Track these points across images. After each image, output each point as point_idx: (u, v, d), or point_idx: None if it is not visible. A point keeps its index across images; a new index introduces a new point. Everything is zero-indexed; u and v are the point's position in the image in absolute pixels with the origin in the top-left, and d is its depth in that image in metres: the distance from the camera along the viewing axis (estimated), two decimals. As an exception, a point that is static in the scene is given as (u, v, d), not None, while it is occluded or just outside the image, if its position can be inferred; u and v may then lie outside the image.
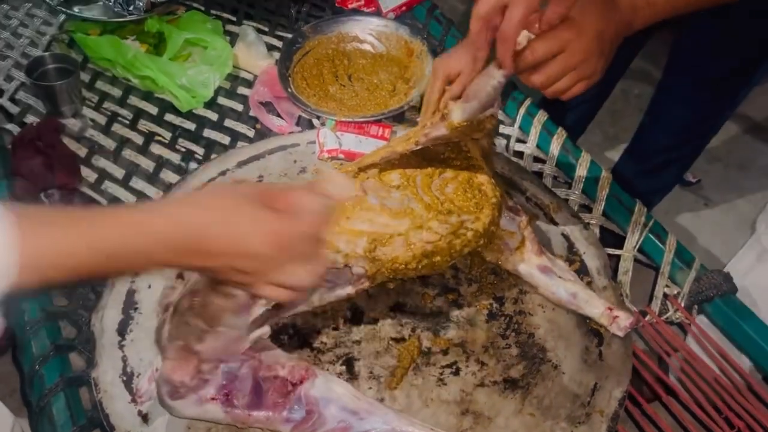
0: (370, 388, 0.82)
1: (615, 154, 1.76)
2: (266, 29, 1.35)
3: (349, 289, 0.82)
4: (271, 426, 0.74)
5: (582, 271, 0.95)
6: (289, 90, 1.17)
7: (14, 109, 1.15)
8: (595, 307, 0.87)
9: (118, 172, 1.06)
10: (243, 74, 1.25)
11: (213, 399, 0.73)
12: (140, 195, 1.04)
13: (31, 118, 1.13)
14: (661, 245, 0.99)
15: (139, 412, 0.77)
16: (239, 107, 1.19)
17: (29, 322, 0.84)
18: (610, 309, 0.86)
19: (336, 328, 0.88)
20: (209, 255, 0.54)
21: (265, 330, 0.76)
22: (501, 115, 1.20)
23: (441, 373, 0.84)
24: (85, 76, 1.21)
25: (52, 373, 0.80)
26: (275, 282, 0.59)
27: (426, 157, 0.91)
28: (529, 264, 0.91)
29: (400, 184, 0.88)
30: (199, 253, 0.54)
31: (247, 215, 0.55)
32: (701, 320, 0.94)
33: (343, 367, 0.84)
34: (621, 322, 0.86)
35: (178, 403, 0.73)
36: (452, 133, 0.82)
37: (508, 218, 0.92)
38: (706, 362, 0.90)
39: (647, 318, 0.93)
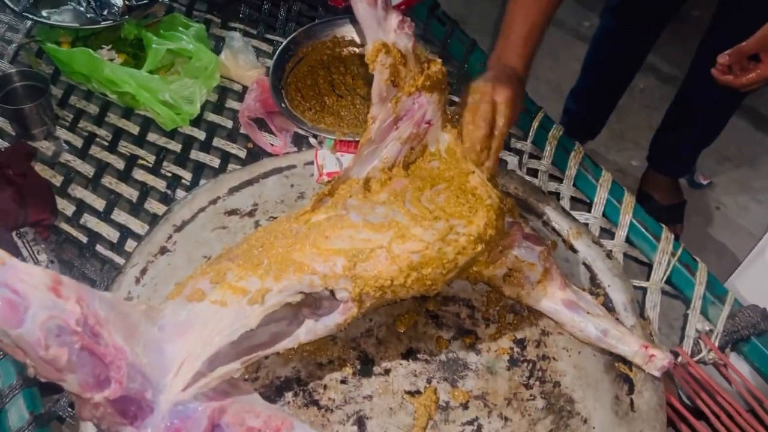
0: (386, 451, 0.75)
1: (623, 153, 1.70)
2: (254, 32, 1.25)
3: (338, 319, 0.73)
4: None
5: (607, 306, 0.88)
6: (283, 105, 1.07)
7: (-22, 133, 1.04)
8: (629, 345, 0.80)
9: (98, 203, 0.97)
10: (230, 84, 1.15)
11: None
12: (123, 229, 0.95)
13: (-2, 143, 1.03)
14: (691, 277, 0.92)
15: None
16: (228, 123, 1.10)
17: (5, 389, 0.75)
18: (646, 347, 0.80)
19: (344, 382, 0.80)
20: None
21: (234, 367, 0.67)
22: (512, 129, 1.11)
23: (462, 432, 0.77)
24: (57, 91, 1.10)
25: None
26: None
27: (418, 174, 0.84)
28: (553, 299, 0.84)
29: (386, 200, 0.80)
30: None
31: None
32: (735, 359, 0.88)
33: (355, 428, 0.77)
34: (658, 361, 0.79)
35: None
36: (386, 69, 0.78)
37: (526, 248, 0.84)
38: (741, 406, 0.84)
39: (679, 359, 0.86)
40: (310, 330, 0.73)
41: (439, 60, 0.84)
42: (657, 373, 0.80)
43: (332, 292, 0.71)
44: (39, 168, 0.99)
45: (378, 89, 0.82)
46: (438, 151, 0.86)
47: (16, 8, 1.14)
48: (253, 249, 0.75)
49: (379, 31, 0.79)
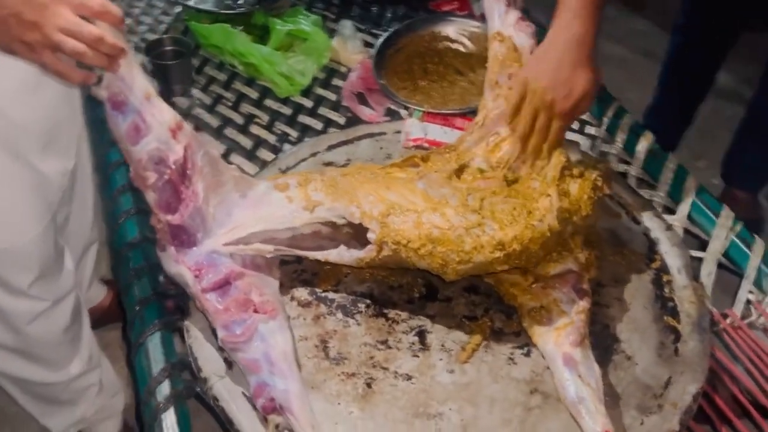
0: (441, 359, 0.84)
1: (704, 172, 1.72)
2: (362, 27, 1.42)
3: (360, 254, 0.82)
4: (213, 322, 0.79)
5: (663, 270, 0.94)
6: (381, 82, 1.23)
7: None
8: (595, 423, 0.75)
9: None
10: (338, 67, 1.32)
11: (188, 268, 0.79)
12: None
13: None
14: (747, 250, 0.96)
15: (225, 359, 0.83)
16: (333, 97, 1.26)
17: (134, 269, 0.92)
18: None
19: (410, 302, 0.91)
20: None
21: (267, 248, 0.81)
22: (586, 116, 1.21)
23: (512, 353, 0.85)
24: (195, 62, 1.31)
25: (151, 315, 0.87)
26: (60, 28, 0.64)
27: (512, 185, 0.89)
28: (558, 347, 0.82)
29: (458, 189, 0.85)
30: None
31: None
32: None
33: (416, 338, 0.87)
34: None
35: (161, 255, 0.81)
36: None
37: (567, 296, 0.85)
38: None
39: (728, 320, 0.91)
40: (339, 253, 0.84)
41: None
42: None
43: (364, 228, 0.81)
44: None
45: (489, 77, 0.90)
46: (545, 173, 0.88)
47: (169, -4, 1.38)
48: (340, 175, 0.89)
49: (498, 22, 0.90)
